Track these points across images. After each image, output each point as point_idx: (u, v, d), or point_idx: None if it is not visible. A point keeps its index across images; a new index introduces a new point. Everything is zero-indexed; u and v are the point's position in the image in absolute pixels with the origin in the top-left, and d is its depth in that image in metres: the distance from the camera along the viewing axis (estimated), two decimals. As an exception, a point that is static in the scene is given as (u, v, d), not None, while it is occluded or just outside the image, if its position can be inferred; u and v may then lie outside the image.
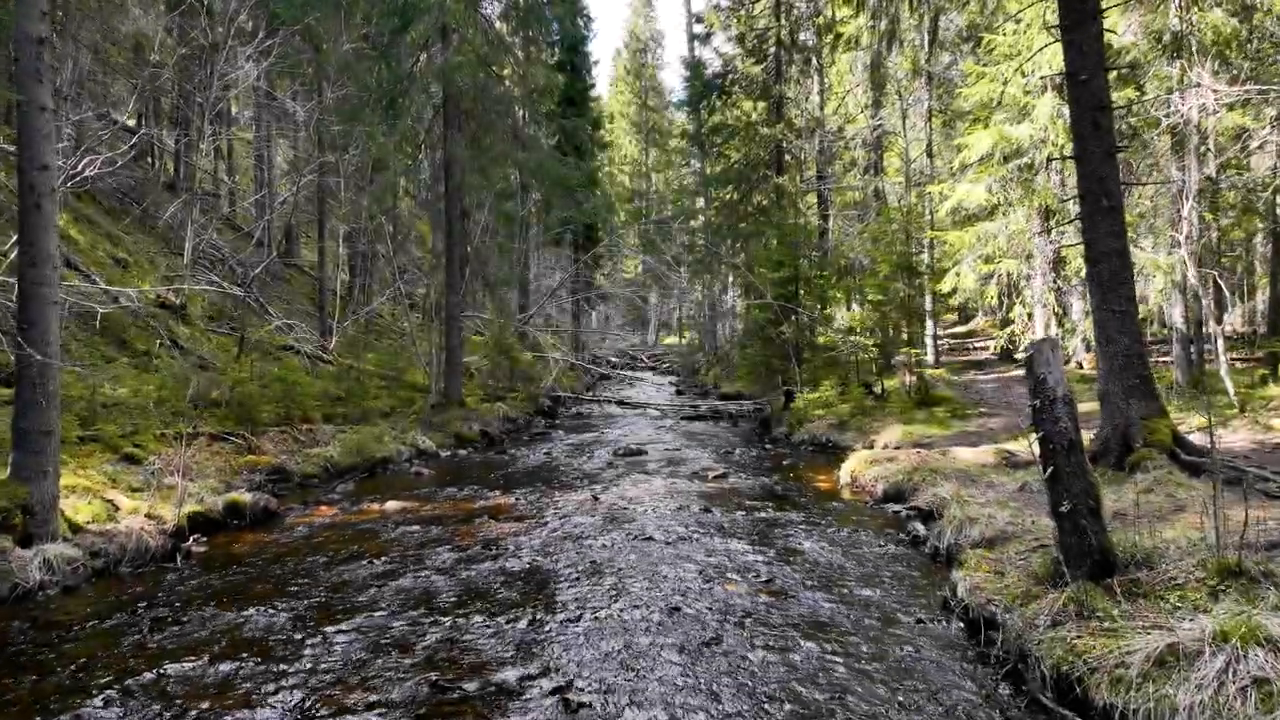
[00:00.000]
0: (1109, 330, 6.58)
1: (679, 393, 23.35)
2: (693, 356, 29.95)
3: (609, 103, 50.15)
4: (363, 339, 18.05)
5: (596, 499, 7.98)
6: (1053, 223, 8.77)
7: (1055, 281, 8.87)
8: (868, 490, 8.26)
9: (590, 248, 26.13)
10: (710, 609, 4.77)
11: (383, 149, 13.17)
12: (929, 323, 15.63)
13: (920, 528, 6.33)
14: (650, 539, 6.41)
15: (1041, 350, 4.01)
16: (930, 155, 16.59)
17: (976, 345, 24.41)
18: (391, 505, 7.81)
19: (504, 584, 5.32)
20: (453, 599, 5.02)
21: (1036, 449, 8.80)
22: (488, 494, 8.39)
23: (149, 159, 21.86)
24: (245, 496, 7.30)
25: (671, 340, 44.14)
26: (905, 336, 12.98)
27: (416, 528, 6.90)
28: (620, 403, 18.54)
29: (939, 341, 17.55)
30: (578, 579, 5.41)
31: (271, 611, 4.78)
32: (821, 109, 19.08)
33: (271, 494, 8.56)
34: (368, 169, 16.95)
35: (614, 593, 5.09)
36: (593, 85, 28.58)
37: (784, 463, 10.49)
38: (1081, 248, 8.74)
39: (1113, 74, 9.46)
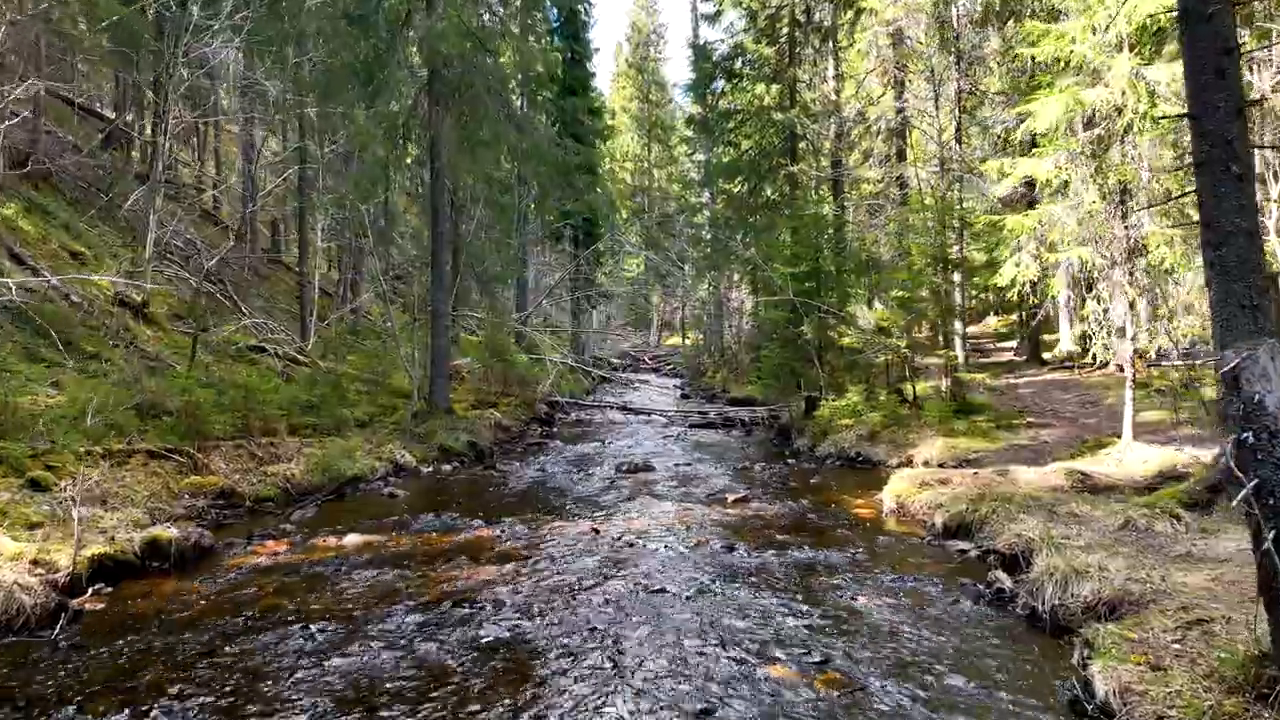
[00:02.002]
0: (1238, 330, 5.26)
1: (685, 397, 22.07)
2: (698, 358, 28.69)
3: (611, 97, 48.88)
4: (348, 340, 16.78)
5: (597, 531, 6.69)
6: (1133, 203, 7.46)
7: (1134, 273, 7.56)
8: (920, 520, 6.96)
9: (591, 244, 24.84)
10: (754, 711, 3.47)
11: (363, 130, 11.88)
12: (957, 322, 14.34)
13: (1004, 579, 5.03)
14: (664, 591, 5.11)
15: (1256, 358, 2.71)
16: (959, 140, 15.29)
17: (999, 346, 23.11)
18: (352, 540, 6.52)
19: (474, 665, 4.03)
20: (403, 692, 3.72)
21: (1111, 469, 7.49)
22: (468, 524, 7.09)
23: (124, 150, 20.58)
24: (169, 532, 6.01)
25: (675, 341, 42.83)
26: (940, 337, 11.70)
27: (376, 573, 5.61)
28: (623, 408, 17.24)
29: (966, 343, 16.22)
30: (572, 657, 4.11)
31: (153, 715, 3.49)
32: (837, 94, 17.77)
33: (215, 523, 7.31)
34: (354, 155, 15.72)
35: (620, 681, 3.80)
36: (593, 74, 27.33)
37: (812, 481, 9.19)
38: (1161, 233, 7.45)
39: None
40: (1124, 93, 7.37)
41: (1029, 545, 5.25)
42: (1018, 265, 7.79)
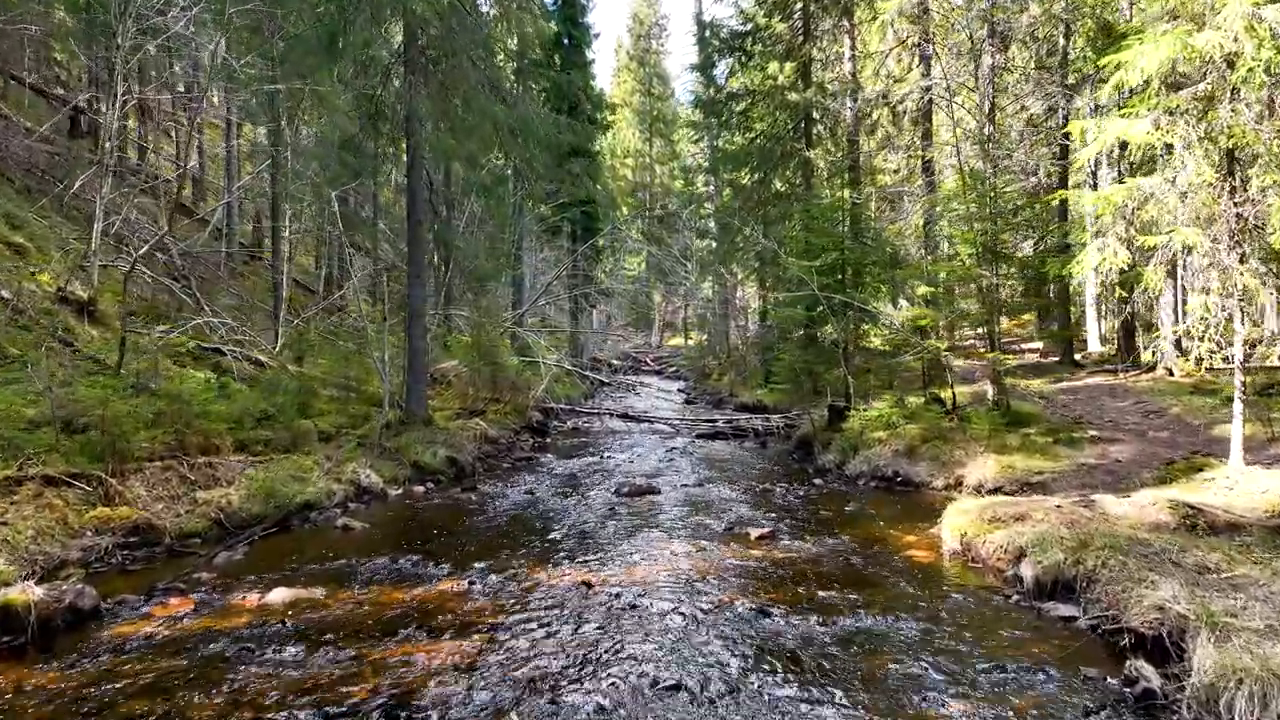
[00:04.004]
0: None
1: (689, 402, 20.67)
2: (702, 360, 27.28)
3: (612, 92, 47.58)
4: (328, 341, 15.40)
5: (589, 586, 5.28)
6: (1251, 172, 6.06)
7: (1247, 258, 6.15)
8: (996, 568, 5.56)
9: (590, 238, 23.44)
10: None
11: (331, 104, 10.51)
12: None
13: (1150, 674, 3.63)
14: (679, 688, 3.72)
15: None
16: (993, 121, 13.89)
17: (1025, 348, 21.71)
18: (277, 597, 5.12)
19: (395, 844, 2.63)
20: None
21: (1222, 500, 6.07)
22: (431, 571, 5.70)
23: (94, 138, 19.19)
24: (29, 594, 4.60)
25: (678, 341, 41.45)
26: (986, 338, 10.33)
27: (296, 652, 4.22)
28: (624, 416, 15.84)
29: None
30: (545, 826, 2.72)
31: None
32: (854, 75, 16.37)
33: (120, 567, 5.95)
34: (326, 136, 14.36)
35: None
36: (593, 60, 25.95)
37: (847, 508, 7.79)
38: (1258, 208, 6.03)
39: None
40: (1237, 38, 5.97)
41: (1178, 624, 3.85)
42: (1102, 251, 6.41)
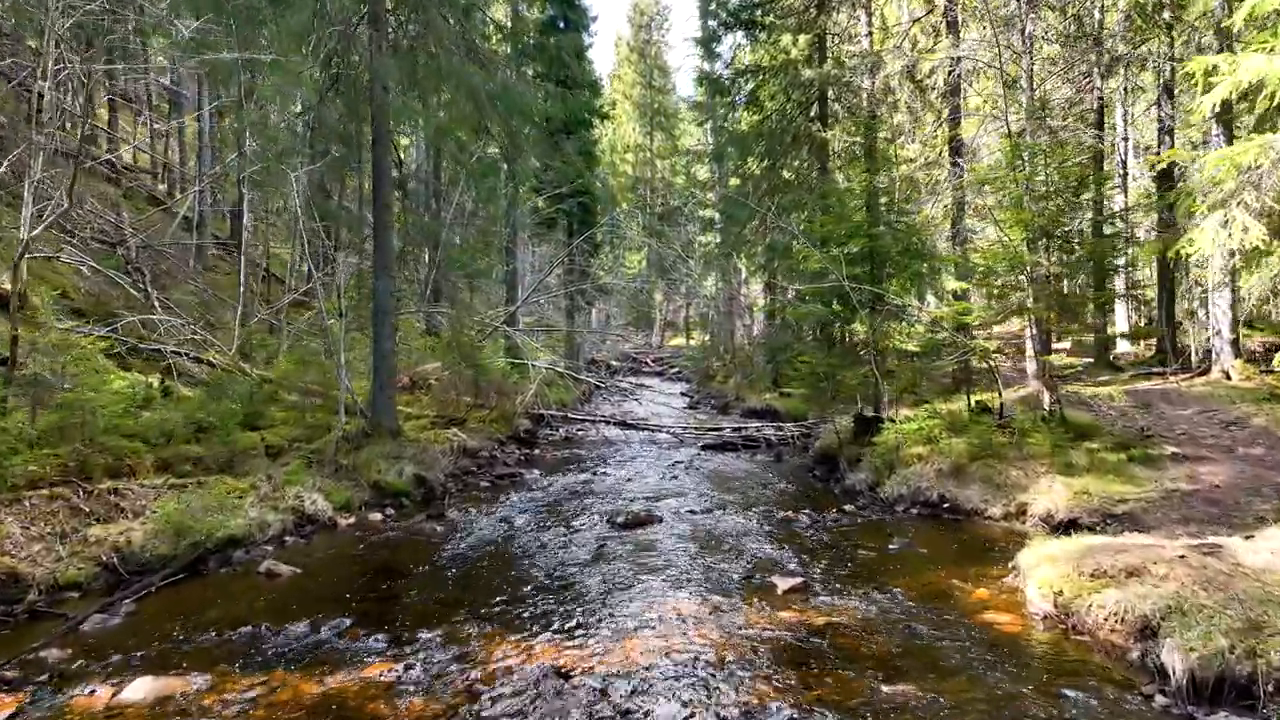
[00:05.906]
0: None
1: (692, 406, 19.28)
2: (705, 361, 25.86)
3: (612, 85, 46.14)
4: (299, 341, 14.01)
5: (565, 676, 3.88)
6: None
7: None
8: (1108, 643, 4.14)
9: (586, 231, 22.03)
10: None
11: (282, 65, 9.12)
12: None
13: None
14: None
15: None
16: (1034, 99, 12.49)
17: (1053, 348, 20.25)
18: (139, 692, 3.73)
19: None
20: None
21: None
22: (359, 645, 4.30)
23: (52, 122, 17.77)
24: None
25: (680, 341, 40.03)
26: (1036, 337, 8.93)
27: (121, 802, 2.82)
28: (622, 424, 14.43)
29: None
30: None
31: None
32: (872, 49, 14.97)
33: (-42, 637, 4.54)
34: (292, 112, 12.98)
35: None
36: (590, 44, 24.54)
37: (890, 546, 6.37)
38: None
39: None
40: None
41: None
42: (1225, 225, 5.02)
